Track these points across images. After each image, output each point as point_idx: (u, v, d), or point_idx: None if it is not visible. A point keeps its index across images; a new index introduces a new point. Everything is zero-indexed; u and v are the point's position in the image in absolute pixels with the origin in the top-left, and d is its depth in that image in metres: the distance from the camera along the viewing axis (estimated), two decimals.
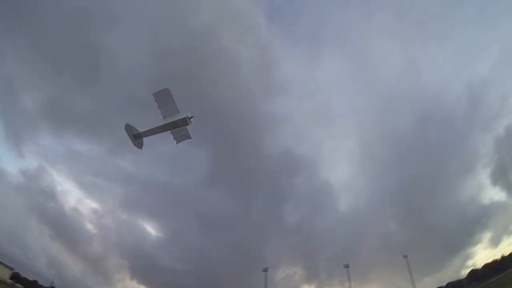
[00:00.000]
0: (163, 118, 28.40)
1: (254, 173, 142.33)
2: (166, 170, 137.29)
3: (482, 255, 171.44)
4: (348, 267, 73.82)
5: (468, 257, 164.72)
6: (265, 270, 70.37)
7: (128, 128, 30.05)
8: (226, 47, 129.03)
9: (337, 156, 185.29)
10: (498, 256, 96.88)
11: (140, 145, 30.63)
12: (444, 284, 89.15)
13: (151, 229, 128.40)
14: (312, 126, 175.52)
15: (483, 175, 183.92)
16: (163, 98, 27.67)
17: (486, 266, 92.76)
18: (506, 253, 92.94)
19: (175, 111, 28.07)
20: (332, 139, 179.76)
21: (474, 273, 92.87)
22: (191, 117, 28.14)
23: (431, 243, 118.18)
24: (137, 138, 30.53)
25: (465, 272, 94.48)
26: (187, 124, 28.52)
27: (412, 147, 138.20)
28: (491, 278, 77.35)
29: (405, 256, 76.45)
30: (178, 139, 30.45)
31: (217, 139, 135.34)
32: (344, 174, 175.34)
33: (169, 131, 29.37)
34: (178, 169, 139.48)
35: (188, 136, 30.42)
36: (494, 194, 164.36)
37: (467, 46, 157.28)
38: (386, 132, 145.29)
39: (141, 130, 30.46)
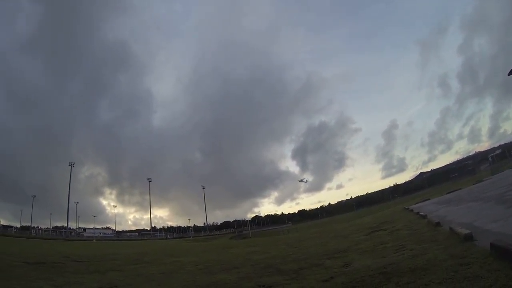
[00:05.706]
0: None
1: (78, 50, 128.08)
2: None
3: (267, 207, 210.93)
4: (151, 181, 73.67)
5: (255, 205, 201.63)
6: (71, 165, 64.21)
7: None
8: None
9: (168, 69, 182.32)
10: (278, 212, 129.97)
11: None
12: (231, 220, 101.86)
13: None
14: (155, 29, 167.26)
15: (288, 148, 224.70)
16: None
17: (268, 216, 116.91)
18: (285, 212, 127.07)
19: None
20: (171, 49, 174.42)
21: (257, 218, 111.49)
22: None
23: (227, 184, 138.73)
24: None
25: (250, 216, 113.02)
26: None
27: (238, 97, 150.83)
28: (269, 227, 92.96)
29: (203, 187, 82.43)
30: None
31: None
32: (168, 91, 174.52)
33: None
34: None
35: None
36: (290, 165, 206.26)
37: None
38: (222, 70, 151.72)
39: None
